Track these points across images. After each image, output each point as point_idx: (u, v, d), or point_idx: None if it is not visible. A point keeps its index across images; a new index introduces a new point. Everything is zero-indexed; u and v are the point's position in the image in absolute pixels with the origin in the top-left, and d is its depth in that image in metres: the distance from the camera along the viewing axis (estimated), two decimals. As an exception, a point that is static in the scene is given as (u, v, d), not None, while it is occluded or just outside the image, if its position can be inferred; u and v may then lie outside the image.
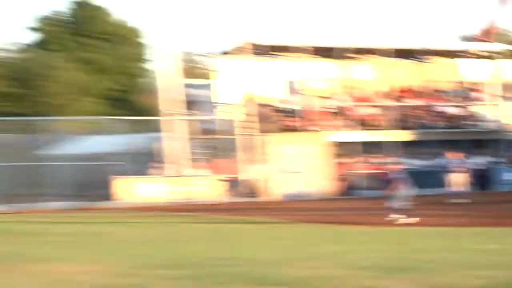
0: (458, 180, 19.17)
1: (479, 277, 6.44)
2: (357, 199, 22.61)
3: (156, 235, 13.84)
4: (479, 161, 23.23)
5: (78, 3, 40.68)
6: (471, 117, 25.34)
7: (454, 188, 19.29)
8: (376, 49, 24.73)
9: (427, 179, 21.05)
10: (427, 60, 25.54)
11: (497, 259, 8.11)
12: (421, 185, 17.17)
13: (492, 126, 25.04)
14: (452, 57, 26.08)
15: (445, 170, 19.94)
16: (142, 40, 39.27)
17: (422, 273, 6.95)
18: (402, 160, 19.35)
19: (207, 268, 7.77)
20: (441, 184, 20.35)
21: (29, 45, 40.39)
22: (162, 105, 22.53)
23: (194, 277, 6.90)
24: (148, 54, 36.71)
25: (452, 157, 20.09)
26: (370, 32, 62.63)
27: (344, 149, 23.31)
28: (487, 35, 27.09)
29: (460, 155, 20.10)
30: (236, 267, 7.77)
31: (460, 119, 25.12)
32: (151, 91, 28.35)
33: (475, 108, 25.80)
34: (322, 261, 8.34)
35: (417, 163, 22.91)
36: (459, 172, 19.24)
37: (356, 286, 6.26)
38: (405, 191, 15.32)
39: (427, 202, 18.56)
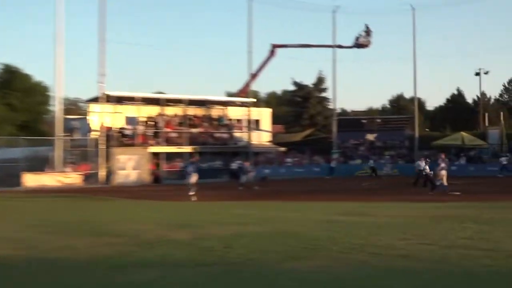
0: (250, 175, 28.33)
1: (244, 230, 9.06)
2: (163, 186, 30.66)
3: (39, 207, 17.78)
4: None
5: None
6: (232, 138, 40.09)
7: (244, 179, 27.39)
8: (179, 99, 38.17)
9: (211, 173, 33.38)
10: (210, 106, 40.33)
11: (242, 219, 11.77)
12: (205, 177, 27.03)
13: (243, 143, 39.25)
14: (224, 105, 41.12)
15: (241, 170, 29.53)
16: (46, 91, 54.45)
17: (194, 228, 9.73)
18: (193, 162, 24.78)
19: (65, 225, 10.62)
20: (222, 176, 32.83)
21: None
22: (56, 131, 33.25)
23: (56, 232, 9.41)
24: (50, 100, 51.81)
25: (246, 163, 29.91)
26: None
27: (157, 156, 35.03)
28: (243, 92, 42.75)
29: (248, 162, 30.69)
30: (85, 225, 10.46)
31: (226, 140, 39.51)
32: (50, 122, 40.24)
33: (235, 134, 40.03)
34: (140, 221, 11.89)
35: (204, 164, 33.56)
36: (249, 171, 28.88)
37: (155, 235, 8.92)
38: (194, 180, 20.29)
39: (208, 187, 23.81)
